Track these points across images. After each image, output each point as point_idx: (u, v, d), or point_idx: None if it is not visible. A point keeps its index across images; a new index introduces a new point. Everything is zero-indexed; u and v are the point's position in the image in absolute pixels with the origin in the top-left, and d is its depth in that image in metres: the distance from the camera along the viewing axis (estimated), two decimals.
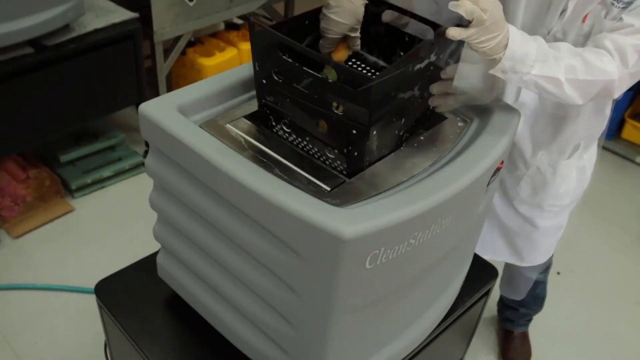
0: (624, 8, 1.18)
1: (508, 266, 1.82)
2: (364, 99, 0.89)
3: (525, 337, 2.14)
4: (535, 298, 1.99)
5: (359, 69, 1.19)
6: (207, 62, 2.98)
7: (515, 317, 2.07)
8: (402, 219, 0.87)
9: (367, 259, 0.88)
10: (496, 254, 1.78)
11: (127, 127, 2.89)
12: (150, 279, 1.31)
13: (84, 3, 2.24)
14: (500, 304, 2.12)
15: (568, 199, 1.61)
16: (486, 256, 1.73)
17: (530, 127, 1.48)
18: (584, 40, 1.26)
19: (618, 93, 1.21)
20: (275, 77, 1.00)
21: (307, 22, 1.09)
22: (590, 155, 1.57)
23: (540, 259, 1.76)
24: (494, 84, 1.29)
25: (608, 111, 1.48)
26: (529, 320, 2.10)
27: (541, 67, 1.09)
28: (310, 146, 1.03)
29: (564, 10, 1.23)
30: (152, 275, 1.30)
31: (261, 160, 0.99)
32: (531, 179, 1.56)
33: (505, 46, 1.05)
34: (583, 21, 1.23)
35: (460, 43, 1.06)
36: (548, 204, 1.60)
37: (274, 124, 1.07)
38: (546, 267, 1.85)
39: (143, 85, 2.59)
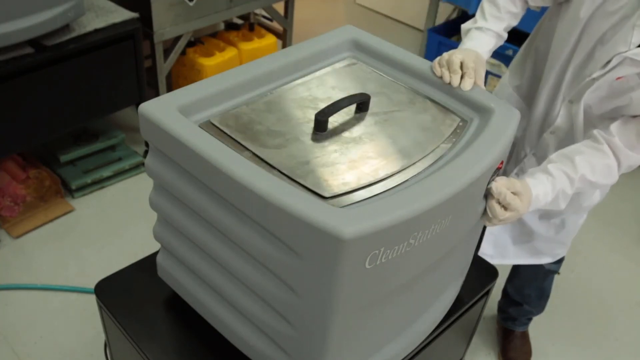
0: None
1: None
2: None
3: (525, 336, 2.14)
4: (541, 296, 2.00)
5: None
6: (207, 62, 2.98)
7: (517, 314, 2.07)
8: (402, 219, 0.88)
9: (367, 259, 0.88)
10: (517, 259, 1.80)
11: (127, 127, 2.89)
12: (150, 279, 1.31)
13: (84, 3, 2.24)
14: (502, 302, 2.12)
15: (589, 208, 1.66)
16: (506, 262, 1.76)
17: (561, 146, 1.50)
18: (611, 95, 1.33)
19: None
20: None
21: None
22: None
23: (562, 253, 1.80)
24: None
25: None
26: (529, 319, 2.10)
27: (547, 207, 1.29)
28: None
29: (608, 62, 1.29)
30: (152, 275, 1.30)
31: (261, 161, 0.99)
32: None
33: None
34: (617, 79, 1.30)
35: None
36: (571, 216, 1.64)
37: None
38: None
39: (143, 85, 2.59)
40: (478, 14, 1.43)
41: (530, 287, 1.97)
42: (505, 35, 1.42)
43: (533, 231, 1.72)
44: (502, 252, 1.77)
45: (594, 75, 1.31)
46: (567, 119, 1.44)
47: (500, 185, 1.13)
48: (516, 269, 2.01)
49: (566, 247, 1.79)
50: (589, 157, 1.30)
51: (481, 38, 1.37)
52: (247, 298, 1.05)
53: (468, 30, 1.40)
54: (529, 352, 2.12)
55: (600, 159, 1.30)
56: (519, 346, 2.11)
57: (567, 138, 1.47)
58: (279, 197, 0.87)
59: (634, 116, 1.31)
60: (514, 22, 1.44)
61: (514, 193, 1.15)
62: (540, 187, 1.24)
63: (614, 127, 1.31)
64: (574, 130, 1.43)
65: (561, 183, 1.28)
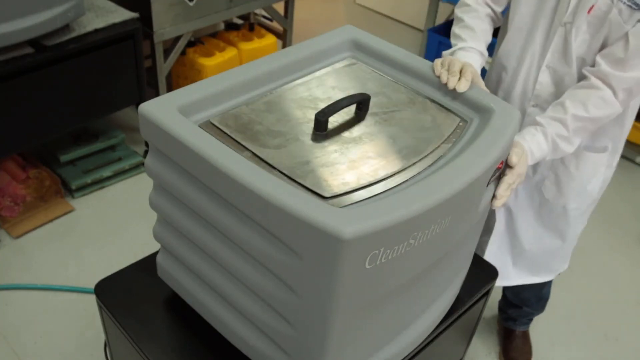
0: (630, 6, 1.26)
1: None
2: None
3: (526, 336, 2.14)
4: (540, 299, 2.00)
5: None
6: (207, 62, 2.98)
7: (517, 315, 2.07)
8: (401, 219, 0.87)
9: (367, 259, 0.88)
10: (519, 279, 1.82)
11: (127, 127, 2.90)
12: (150, 279, 1.31)
13: (84, 3, 2.24)
14: (502, 302, 2.13)
15: (590, 199, 1.64)
16: (509, 283, 1.79)
17: None
18: (594, 31, 1.34)
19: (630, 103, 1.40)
20: None
21: None
22: (615, 161, 1.63)
23: (564, 266, 1.82)
24: None
25: (634, 114, 1.54)
26: (530, 319, 2.10)
27: (553, 154, 1.35)
28: None
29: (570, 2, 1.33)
30: (152, 275, 1.30)
31: (261, 161, 0.99)
32: (555, 175, 1.57)
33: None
34: (588, 12, 1.31)
35: None
36: (573, 206, 1.62)
37: None
38: None
39: (143, 85, 2.60)
40: (455, 40, 1.46)
41: (528, 291, 1.98)
42: (487, 54, 1.45)
43: (533, 246, 1.73)
44: (504, 274, 1.78)
45: (565, 20, 1.32)
46: (548, 85, 1.45)
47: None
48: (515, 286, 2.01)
49: (565, 262, 1.80)
50: (579, 96, 1.32)
51: (467, 57, 1.39)
52: (247, 298, 1.05)
53: (452, 53, 1.42)
54: (529, 352, 2.12)
55: (592, 94, 1.31)
56: (520, 346, 2.11)
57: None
58: (279, 197, 0.87)
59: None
60: (489, 39, 1.48)
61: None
62: (529, 138, 1.28)
63: (599, 56, 1.33)
64: (562, 92, 1.44)
65: (552, 128, 1.30)
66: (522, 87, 1.51)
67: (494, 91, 1.61)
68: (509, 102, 1.55)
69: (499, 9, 1.51)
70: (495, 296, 2.16)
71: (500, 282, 1.75)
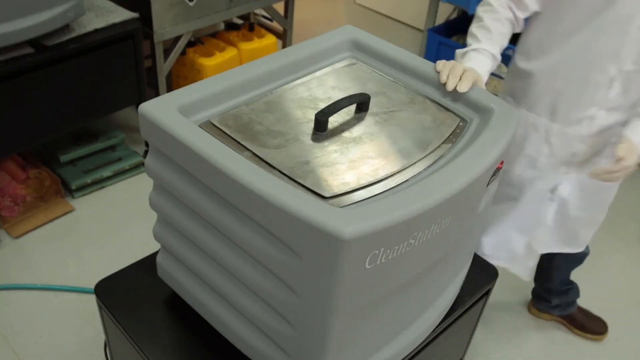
0: None
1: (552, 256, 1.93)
2: None
3: (583, 309, 2.21)
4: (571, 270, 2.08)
5: None
6: (207, 62, 2.98)
7: (572, 297, 2.16)
8: (401, 219, 0.88)
9: (367, 259, 0.88)
10: (553, 249, 1.84)
11: (127, 127, 2.89)
12: (150, 279, 1.31)
13: (84, 3, 2.24)
14: (555, 299, 2.17)
15: None
16: (545, 251, 1.81)
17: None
18: None
19: None
20: None
21: None
22: None
23: (590, 235, 1.87)
24: None
25: None
26: (579, 294, 2.17)
27: None
28: None
29: None
30: (152, 275, 1.30)
31: (261, 161, 0.99)
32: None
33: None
34: None
35: None
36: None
37: None
38: None
39: (143, 85, 2.59)
40: (470, 39, 1.45)
41: (571, 270, 2.07)
42: (499, 58, 1.44)
43: (576, 223, 1.76)
44: (537, 246, 1.80)
45: None
46: (619, 87, 1.47)
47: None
48: (553, 266, 2.05)
49: (592, 233, 1.85)
50: None
51: (479, 59, 1.38)
52: (247, 298, 1.05)
53: (465, 53, 1.41)
54: (597, 317, 2.20)
55: None
56: (590, 319, 2.20)
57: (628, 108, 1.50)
58: (279, 197, 0.87)
59: None
60: (505, 43, 1.47)
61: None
62: (639, 131, 1.38)
63: None
64: (629, 91, 1.47)
65: None
66: (592, 94, 1.50)
67: (552, 106, 1.57)
68: (574, 110, 1.54)
69: (521, 16, 1.48)
70: (498, 297, 2.16)
71: (538, 253, 1.80)
